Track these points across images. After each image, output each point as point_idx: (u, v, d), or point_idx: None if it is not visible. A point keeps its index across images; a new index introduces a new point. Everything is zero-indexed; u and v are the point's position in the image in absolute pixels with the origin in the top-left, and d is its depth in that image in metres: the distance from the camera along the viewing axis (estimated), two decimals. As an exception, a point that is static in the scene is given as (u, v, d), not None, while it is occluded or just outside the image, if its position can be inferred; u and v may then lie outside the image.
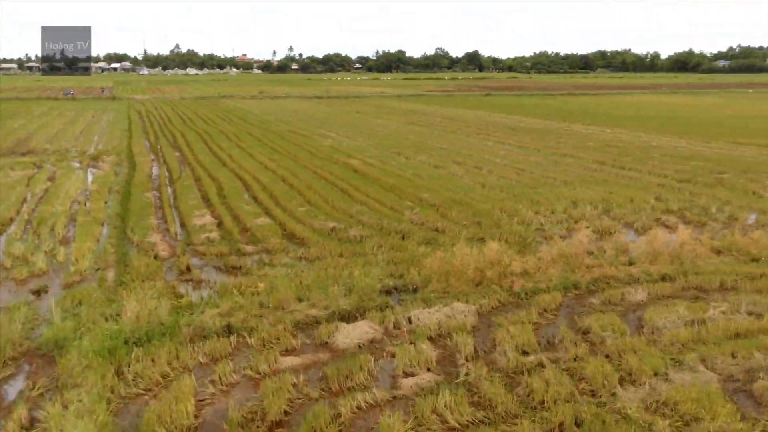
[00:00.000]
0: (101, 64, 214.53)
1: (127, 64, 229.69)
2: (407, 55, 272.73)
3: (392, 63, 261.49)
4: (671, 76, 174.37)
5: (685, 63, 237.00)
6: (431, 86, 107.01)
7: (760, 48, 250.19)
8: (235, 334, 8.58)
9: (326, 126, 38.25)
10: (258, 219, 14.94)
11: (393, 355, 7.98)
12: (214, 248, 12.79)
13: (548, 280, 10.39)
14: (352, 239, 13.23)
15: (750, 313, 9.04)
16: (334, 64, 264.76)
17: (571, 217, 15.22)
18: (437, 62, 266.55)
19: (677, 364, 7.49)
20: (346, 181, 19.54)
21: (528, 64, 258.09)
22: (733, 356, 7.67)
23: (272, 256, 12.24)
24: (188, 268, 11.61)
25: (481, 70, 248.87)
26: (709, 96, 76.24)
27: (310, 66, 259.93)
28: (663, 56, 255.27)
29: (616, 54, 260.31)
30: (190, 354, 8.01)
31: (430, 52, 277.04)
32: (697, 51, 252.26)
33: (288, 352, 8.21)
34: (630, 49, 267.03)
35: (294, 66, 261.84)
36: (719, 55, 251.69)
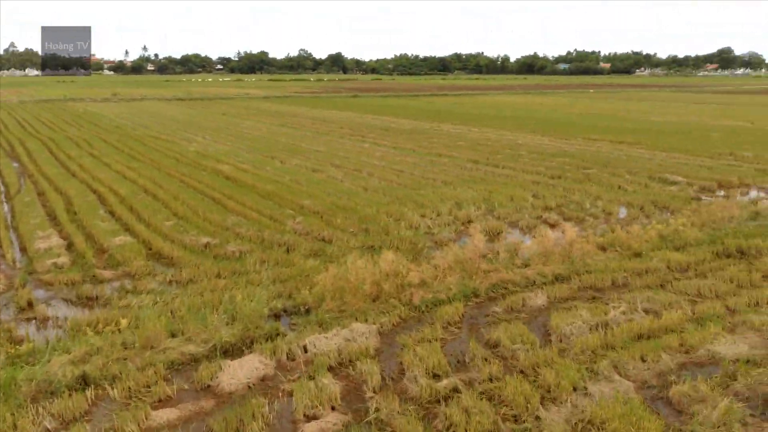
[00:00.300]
0: None
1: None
2: (270, 56, 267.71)
3: (255, 64, 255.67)
4: (521, 78, 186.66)
5: (531, 66, 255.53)
6: (298, 87, 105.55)
7: (593, 52, 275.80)
8: (93, 386, 7.03)
9: (191, 129, 35.74)
10: (117, 238, 13.03)
11: (290, 394, 6.91)
12: (64, 276, 10.84)
13: (447, 290, 9.82)
14: (230, 256, 11.86)
15: (647, 312, 9.03)
16: (194, 65, 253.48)
17: (457, 218, 14.93)
18: (301, 63, 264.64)
19: (593, 374, 7.14)
20: (217, 190, 17.92)
21: (390, 66, 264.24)
22: (643, 360, 7.48)
23: (136, 282, 10.58)
24: (30, 304, 9.66)
25: (345, 72, 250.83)
26: (557, 96, 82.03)
27: (167, 67, 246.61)
28: (512, 59, 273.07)
29: (470, 57, 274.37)
30: (33, 419, 6.39)
31: (294, 53, 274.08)
32: (540, 55, 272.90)
33: (162, 402, 6.83)
34: (483, 53, 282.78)
35: (150, 67, 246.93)
36: (560, 59, 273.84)
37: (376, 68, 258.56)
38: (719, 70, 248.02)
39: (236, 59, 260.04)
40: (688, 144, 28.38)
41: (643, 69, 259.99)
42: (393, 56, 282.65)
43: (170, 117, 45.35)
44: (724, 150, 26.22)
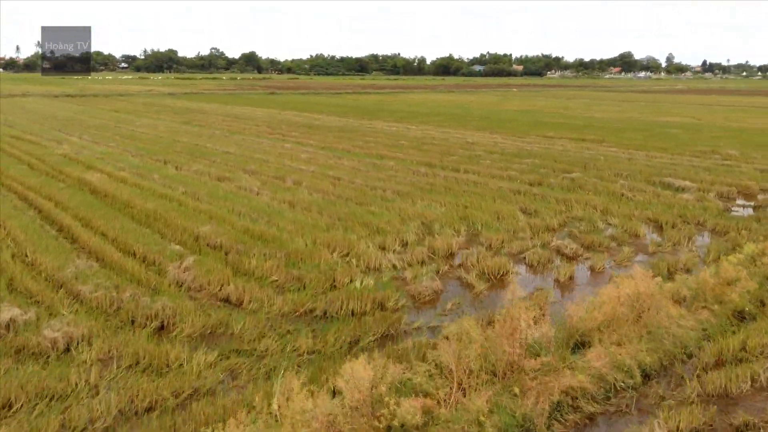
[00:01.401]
0: None
1: None
2: (180, 54, 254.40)
3: (163, 63, 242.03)
4: (439, 79, 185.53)
5: (447, 67, 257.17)
6: (209, 85, 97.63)
7: (505, 54, 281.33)
8: None
9: (69, 128, 28.91)
10: None
11: None
12: None
13: (477, 426, 4.89)
14: (44, 351, 6.34)
15: None
16: (96, 62, 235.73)
17: (433, 251, 10.05)
18: (213, 62, 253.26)
19: None
20: (72, 211, 12.14)
21: (306, 66, 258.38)
22: None
23: None
24: None
25: (260, 72, 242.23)
26: (483, 95, 79.33)
27: (65, 64, 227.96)
28: (428, 61, 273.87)
29: (387, 58, 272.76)
30: None
31: (205, 52, 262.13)
32: (456, 56, 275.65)
33: None
34: (399, 54, 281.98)
35: (46, 65, 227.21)
36: (474, 60, 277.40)
37: (291, 68, 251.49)
38: (622, 73, 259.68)
39: (142, 57, 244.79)
40: (657, 141, 24.99)
41: (553, 71, 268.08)
42: (309, 56, 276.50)
43: (49, 114, 37.86)
44: (703, 148, 22.91)
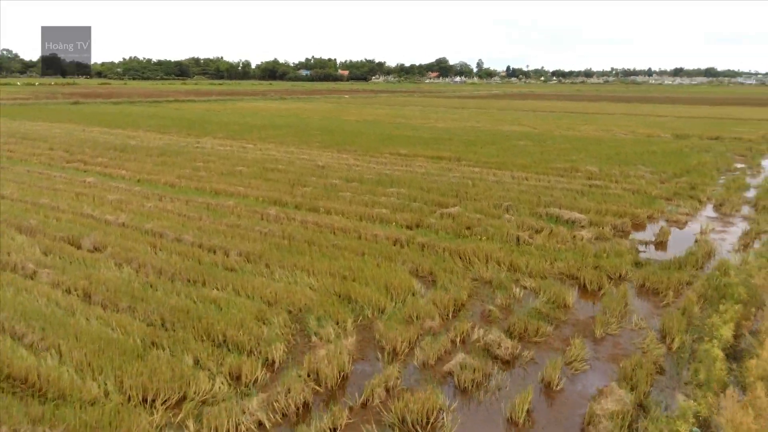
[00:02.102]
0: None
1: None
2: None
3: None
4: (266, 84, 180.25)
5: (273, 71, 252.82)
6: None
7: (329, 59, 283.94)
8: None
9: None
10: None
11: None
12: None
13: None
14: None
15: None
16: None
17: (318, 379, 6.58)
18: (5, 66, 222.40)
19: None
20: None
21: (119, 70, 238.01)
22: None
23: None
24: None
25: (64, 76, 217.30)
26: (316, 102, 76.63)
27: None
28: (253, 64, 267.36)
29: (209, 61, 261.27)
30: None
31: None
32: (281, 60, 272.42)
33: None
34: (222, 57, 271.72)
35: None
36: (300, 65, 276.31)
37: (102, 72, 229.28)
38: (440, 78, 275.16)
39: None
40: (512, 157, 23.74)
41: (377, 76, 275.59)
42: (122, 59, 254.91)
43: None
44: (562, 164, 21.96)
